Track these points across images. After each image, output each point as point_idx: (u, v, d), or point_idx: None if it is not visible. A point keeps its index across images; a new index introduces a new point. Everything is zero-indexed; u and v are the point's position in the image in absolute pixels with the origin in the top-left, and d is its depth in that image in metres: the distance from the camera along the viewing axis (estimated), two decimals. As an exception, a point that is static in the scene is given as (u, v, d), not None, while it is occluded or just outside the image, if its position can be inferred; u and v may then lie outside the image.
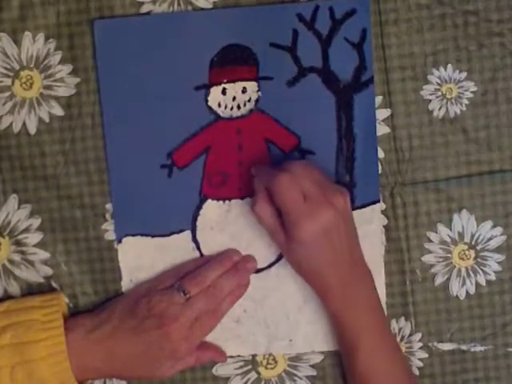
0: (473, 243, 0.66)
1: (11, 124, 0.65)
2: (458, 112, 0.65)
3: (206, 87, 0.64)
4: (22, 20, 0.64)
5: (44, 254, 0.66)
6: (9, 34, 0.64)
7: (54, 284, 0.66)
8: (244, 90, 0.64)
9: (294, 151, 0.65)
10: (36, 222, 0.66)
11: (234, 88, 0.64)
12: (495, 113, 0.65)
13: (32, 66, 0.64)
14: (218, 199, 0.66)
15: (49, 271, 0.66)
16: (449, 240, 0.66)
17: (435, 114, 0.65)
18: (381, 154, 0.65)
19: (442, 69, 0.64)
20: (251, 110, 0.65)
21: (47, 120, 0.65)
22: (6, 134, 0.65)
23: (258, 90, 0.65)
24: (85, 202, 0.66)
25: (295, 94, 0.64)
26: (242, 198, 0.66)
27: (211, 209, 0.66)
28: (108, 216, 0.66)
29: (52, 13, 0.64)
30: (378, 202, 0.65)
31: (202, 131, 0.65)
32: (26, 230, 0.66)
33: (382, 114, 0.65)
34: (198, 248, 0.66)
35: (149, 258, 0.66)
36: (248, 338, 0.67)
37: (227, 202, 0.66)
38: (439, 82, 0.64)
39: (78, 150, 0.65)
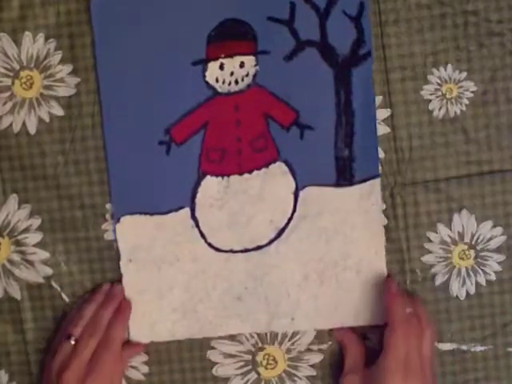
0: (473, 243, 0.66)
1: (11, 124, 0.65)
2: (458, 112, 0.65)
3: (204, 62, 0.64)
4: (22, 20, 0.64)
5: (44, 254, 0.66)
6: (9, 33, 0.64)
7: (54, 284, 0.66)
8: (242, 65, 0.64)
9: (292, 126, 0.64)
10: (36, 222, 0.66)
11: (231, 63, 0.64)
12: (495, 113, 0.65)
13: (32, 66, 0.64)
14: (216, 175, 0.65)
15: (49, 271, 0.66)
16: (449, 240, 0.66)
17: (435, 113, 0.65)
18: (381, 154, 0.65)
19: (441, 69, 0.64)
20: (249, 85, 0.64)
21: (47, 120, 0.65)
22: (5, 133, 0.65)
23: (255, 65, 0.64)
24: (85, 202, 0.66)
25: (293, 68, 0.63)
26: (241, 174, 0.65)
27: (210, 185, 0.65)
28: (108, 216, 0.66)
29: (52, 13, 0.64)
30: (378, 176, 0.64)
31: (199, 107, 0.64)
32: (26, 229, 0.66)
33: (382, 113, 0.64)
34: (197, 225, 0.65)
35: (147, 237, 0.65)
36: (249, 315, 0.66)
37: (226, 178, 0.65)
38: (439, 82, 0.64)
39: (78, 150, 0.65)
